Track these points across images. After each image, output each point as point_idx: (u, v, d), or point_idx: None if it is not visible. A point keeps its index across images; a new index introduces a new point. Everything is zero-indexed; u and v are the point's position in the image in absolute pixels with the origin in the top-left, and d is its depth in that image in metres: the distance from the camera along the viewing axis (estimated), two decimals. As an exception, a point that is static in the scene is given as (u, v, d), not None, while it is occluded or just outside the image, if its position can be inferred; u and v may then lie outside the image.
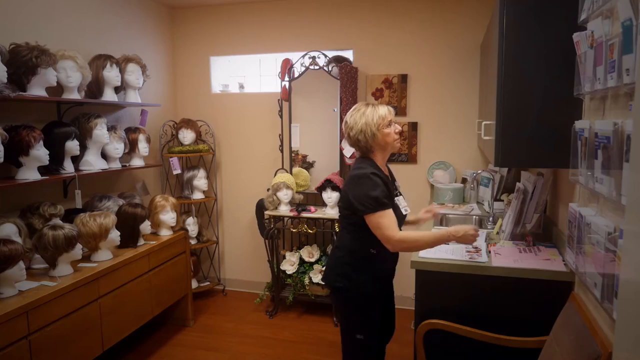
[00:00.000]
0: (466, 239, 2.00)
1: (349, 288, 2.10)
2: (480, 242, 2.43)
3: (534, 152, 2.01)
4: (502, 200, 3.16)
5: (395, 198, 2.12)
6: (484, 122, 2.37)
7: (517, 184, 2.58)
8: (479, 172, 3.26)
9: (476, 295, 2.12)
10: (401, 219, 2.14)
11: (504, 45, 1.97)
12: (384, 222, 1.95)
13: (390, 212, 1.98)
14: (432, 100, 3.75)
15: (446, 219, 3.14)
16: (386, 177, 2.09)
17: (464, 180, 3.69)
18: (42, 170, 2.65)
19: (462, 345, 2.05)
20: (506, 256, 2.19)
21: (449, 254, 2.24)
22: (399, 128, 2.09)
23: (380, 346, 2.29)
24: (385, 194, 1.99)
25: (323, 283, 3.63)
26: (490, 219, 2.92)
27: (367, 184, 1.99)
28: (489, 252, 2.27)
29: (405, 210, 2.16)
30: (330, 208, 3.65)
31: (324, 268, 3.66)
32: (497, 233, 2.64)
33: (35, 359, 2.21)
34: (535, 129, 1.98)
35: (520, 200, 2.43)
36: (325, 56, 3.71)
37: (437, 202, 3.51)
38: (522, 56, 1.95)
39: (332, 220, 3.60)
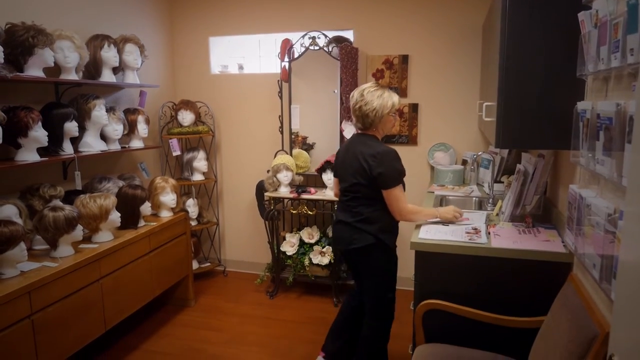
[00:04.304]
0: (448, 215, 2.42)
1: (387, 252, 2.40)
2: (480, 224, 2.44)
3: (535, 134, 2.00)
4: (502, 182, 3.16)
5: None
6: (485, 104, 2.36)
7: (518, 165, 2.58)
8: (480, 153, 3.25)
9: (475, 276, 2.13)
10: None
11: (506, 25, 1.95)
12: (402, 195, 2.30)
13: (402, 187, 2.32)
14: (433, 81, 3.72)
15: (446, 200, 3.14)
16: None
17: (464, 162, 3.68)
18: (41, 151, 2.64)
19: (461, 325, 2.08)
20: (505, 237, 2.20)
21: (448, 235, 2.25)
22: (397, 119, 2.37)
23: None
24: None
25: (323, 264, 3.66)
26: (490, 200, 2.93)
27: (393, 158, 2.28)
28: (489, 233, 2.28)
29: None
30: (330, 189, 3.65)
31: (324, 249, 3.68)
32: (497, 214, 2.65)
33: (38, 337, 2.24)
34: (536, 110, 1.96)
35: (520, 181, 2.43)
36: (326, 36, 3.67)
37: (437, 183, 3.51)
38: (524, 36, 1.93)
39: (332, 202, 3.61)
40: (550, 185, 2.62)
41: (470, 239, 2.18)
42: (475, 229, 2.34)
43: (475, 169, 3.47)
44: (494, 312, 2.02)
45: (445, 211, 2.45)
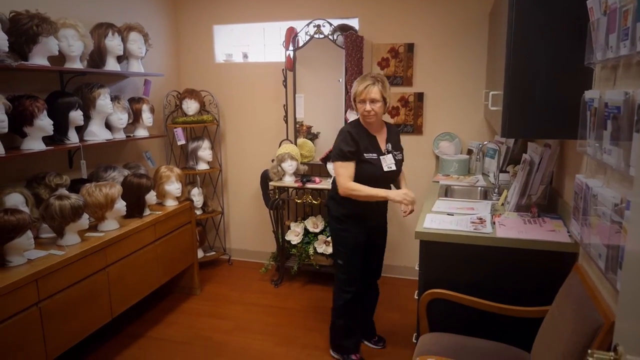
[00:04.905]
0: (397, 197, 2.45)
1: (333, 220, 2.65)
2: (485, 213, 2.43)
3: (542, 123, 1.99)
4: (508, 172, 3.15)
5: (381, 156, 2.52)
6: (491, 93, 2.34)
7: (524, 155, 2.56)
8: (485, 143, 3.23)
9: (480, 265, 2.13)
10: (382, 175, 2.53)
11: (513, 13, 1.93)
12: (342, 171, 2.47)
13: (349, 165, 2.46)
14: (438, 70, 3.69)
15: (451, 190, 3.13)
16: (367, 135, 2.52)
17: (469, 152, 3.67)
18: (46, 140, 2.65)
19: (465, 314, 2.08)
20: (511, 227, 2.20)
21: (453, 224, 2.25)
22: (367, 108, 2.43)
23: (363, 279, 2.73)
24: (353, 150, 2.45)
25: (328, 253, 3.67)
26: (496, 190, 2.92)
27: (340, 137, 2.52)
28: (494, 223, 2.27)
29: (389, 168, 2.53)
30: (334, 179, 3.64)
31: (328, 238, 3.69)
32: (502, 204, 2.64)
33: (46, 324, 2.26)
34: (543, 99, 1.95)
35: (526, 171, 2.41)
36: (331, 25, 3.64)
37: (442, 173, 3.50)
38: (531, 24, 1.91)
39: (337, 191, 3.60)
40: (556, 175, 2.61)
41: (475, 229, 2.18)
42: (481, 218, 2.34)
43: (481, 159, 3.46)
44: (498, 301, 2.02)
45: (396, 193, 2.49)
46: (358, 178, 2.50)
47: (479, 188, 3.14)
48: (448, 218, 2.36)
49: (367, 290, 2.85)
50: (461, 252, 2.14)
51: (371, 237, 2.69)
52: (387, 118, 3.77)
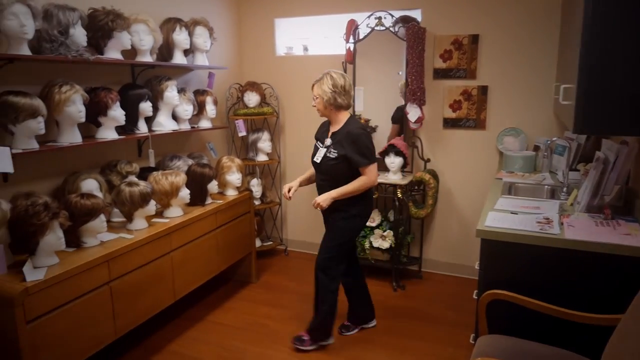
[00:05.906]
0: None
1: None
2: (552, 213, 2.31)
3: (619, 118, 1.85)
4: (579, 170, 2.97)
5: (319, 148, 2.76)
6: (562, 86, 2.21)
7: (597, 152, 2.40)
8: (554, 139, 3.06)
9: (545, 267, 2.04)
10: (313, 163, 2.81)
11: (591, 0, 1.80)
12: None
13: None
14: (504, 62, 3.53)
15: (515, 188, 3.01)
16: (328, 126, 2.80)
17: (536, 148, 3.49)
18: (118, 130, 2.81)
19: (526, 317, 2.00)
20: (581, 229, 2.08)
21: (517, 223, 2.15)
22: (313, 103, 2.74)
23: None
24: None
25: (384, 248, 3.64)
26: (564, 189, 2.76)
27: None
28: (562, 223, 2.16)
29: (317, 159, 2.75)
30: (392, 173, 3.60)
31: (385, 233, 3.66)
32: (571, 204, 2.50)
33: (116, 302, 2.41)
34: (621, 92, 1.82)
35: (599, 170, 2.27)
36: (392, 16, 3.58)
37: (505, 170, 3.36)
38: (610, 11, 1.77)
39: (395, 186, 3.56)
40: (633, 175, 2.43)
41: (541, 229, 2.08)
42: (547, 218, 2.22)
43: (549, 156, 3.28)
44: (562, 306, 1.91)
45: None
46: None
47: (546, 186, 2.98)
48: (511, 217, 2.27)
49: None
50: (525, 252, 2.05)
51: None
52: (448, 112, 3.67)
